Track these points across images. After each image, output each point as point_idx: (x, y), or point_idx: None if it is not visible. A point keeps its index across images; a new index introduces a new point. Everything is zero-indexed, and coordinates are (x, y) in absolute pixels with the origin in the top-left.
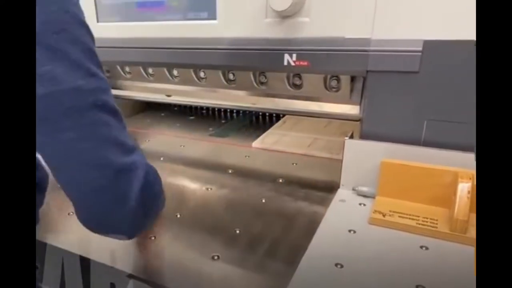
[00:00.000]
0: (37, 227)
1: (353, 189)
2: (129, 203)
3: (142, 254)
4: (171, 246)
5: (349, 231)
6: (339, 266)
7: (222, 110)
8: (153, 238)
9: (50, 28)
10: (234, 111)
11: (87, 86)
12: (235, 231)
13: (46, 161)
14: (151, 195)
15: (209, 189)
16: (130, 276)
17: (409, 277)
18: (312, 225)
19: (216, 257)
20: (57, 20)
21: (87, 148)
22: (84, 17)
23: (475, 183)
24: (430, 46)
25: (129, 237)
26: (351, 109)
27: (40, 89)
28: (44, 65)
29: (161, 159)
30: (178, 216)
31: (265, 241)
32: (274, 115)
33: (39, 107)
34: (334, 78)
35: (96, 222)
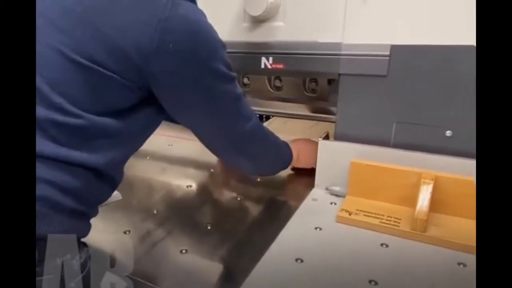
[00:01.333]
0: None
1: (326, 189)
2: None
3: None
4: (143, 240)
5: (316, 228)
6: (299, 261)
7: None
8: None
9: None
10: None
11: (235, 91)
12: (207, 227)
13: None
14: (263, 143)
15: (189, 187)
16: (129, 276)
17: (363, 272)
18: (281, 223)
19: (184, 251)
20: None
21: (231, 126)
22: (220, 45)
23: (437, 184)
24: (398, 51)
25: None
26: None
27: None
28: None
29: (148, 158)
30: (155, 212)
31: (233, 236)
32: (264, 116)
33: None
34: (313, 81)
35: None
